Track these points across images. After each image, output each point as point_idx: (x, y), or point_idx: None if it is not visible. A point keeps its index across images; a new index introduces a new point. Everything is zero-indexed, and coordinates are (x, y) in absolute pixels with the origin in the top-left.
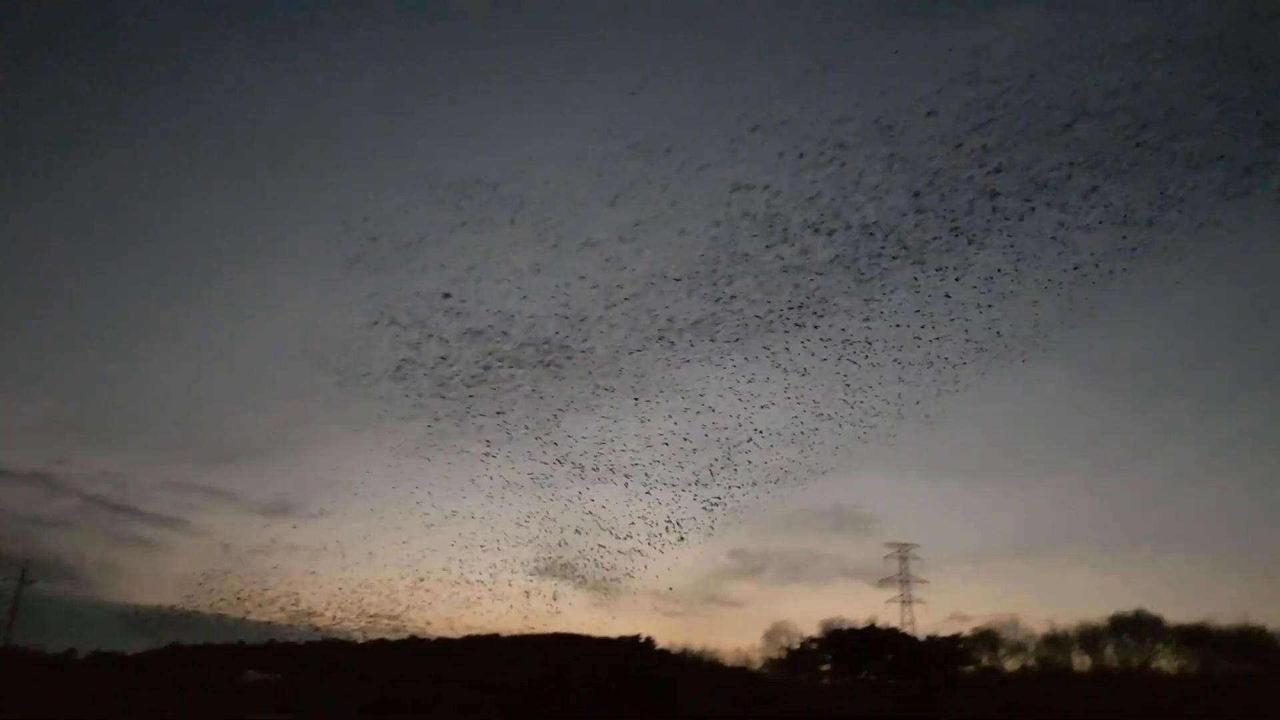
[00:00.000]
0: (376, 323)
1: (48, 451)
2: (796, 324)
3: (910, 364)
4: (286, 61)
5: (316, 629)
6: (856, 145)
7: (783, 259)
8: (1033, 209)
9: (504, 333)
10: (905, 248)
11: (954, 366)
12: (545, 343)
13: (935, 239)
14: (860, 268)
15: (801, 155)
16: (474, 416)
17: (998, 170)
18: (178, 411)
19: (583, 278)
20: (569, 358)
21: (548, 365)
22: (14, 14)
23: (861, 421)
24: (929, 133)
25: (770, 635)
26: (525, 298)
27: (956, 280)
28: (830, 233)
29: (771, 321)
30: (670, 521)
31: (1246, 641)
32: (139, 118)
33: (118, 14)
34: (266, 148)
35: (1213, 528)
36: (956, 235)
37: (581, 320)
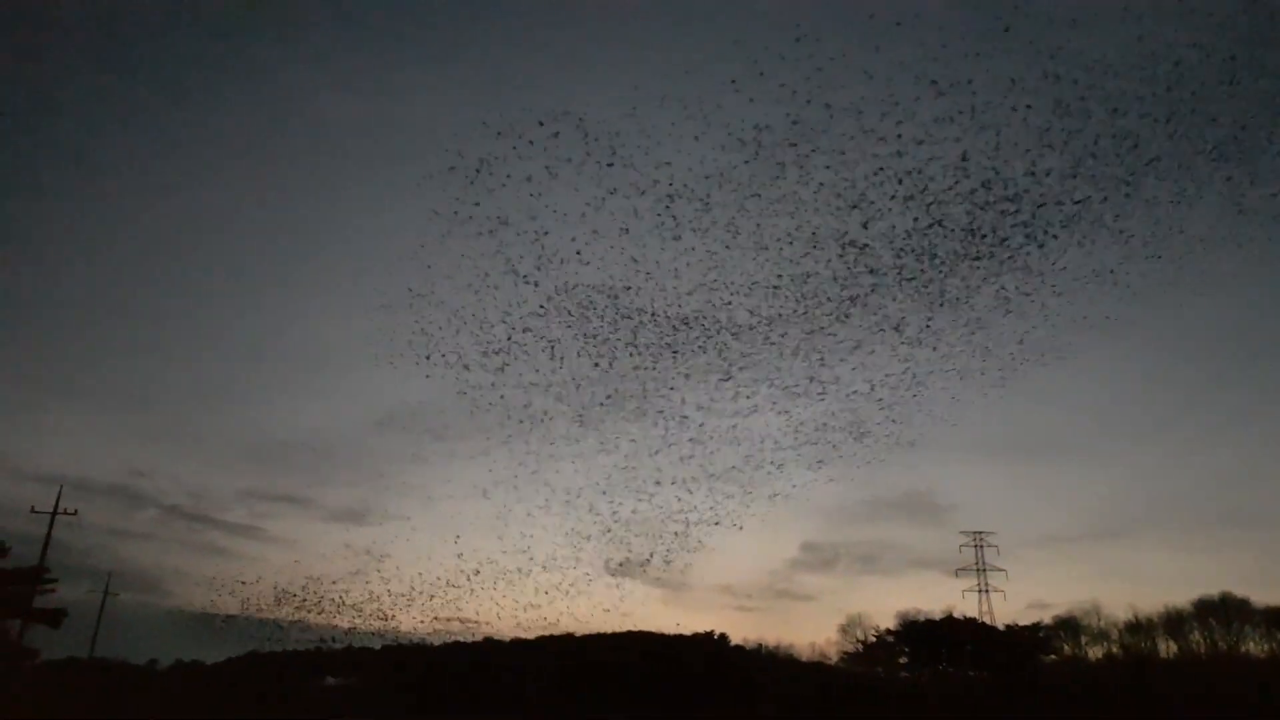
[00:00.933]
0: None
1: (127, 464)
2: (926, 298)
3: (986, 346)
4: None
5: (392, 633)
6: (1014, 112)
7: (916, 227)
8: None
9: (603, 306)
10: (1032, 224)
11: (1025, 348)
12: (661, 320)
13: (1062, 214)
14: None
15: (954, 118)
16: (553, 407)
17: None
18: (253, 420)
19: (692, 249)
20: (683, 338)
21: (662, 348)
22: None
23: (937, 406)
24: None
25: (845, 628)
26: (644, 272)
27: (1059, 266)
28: (982, 206)
29: (897, 298)
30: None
31: None
32: (202, 127)
33: (147, 21)
34: (344, 139)
35: None
36: (1107, 203)
37: (706, 294)
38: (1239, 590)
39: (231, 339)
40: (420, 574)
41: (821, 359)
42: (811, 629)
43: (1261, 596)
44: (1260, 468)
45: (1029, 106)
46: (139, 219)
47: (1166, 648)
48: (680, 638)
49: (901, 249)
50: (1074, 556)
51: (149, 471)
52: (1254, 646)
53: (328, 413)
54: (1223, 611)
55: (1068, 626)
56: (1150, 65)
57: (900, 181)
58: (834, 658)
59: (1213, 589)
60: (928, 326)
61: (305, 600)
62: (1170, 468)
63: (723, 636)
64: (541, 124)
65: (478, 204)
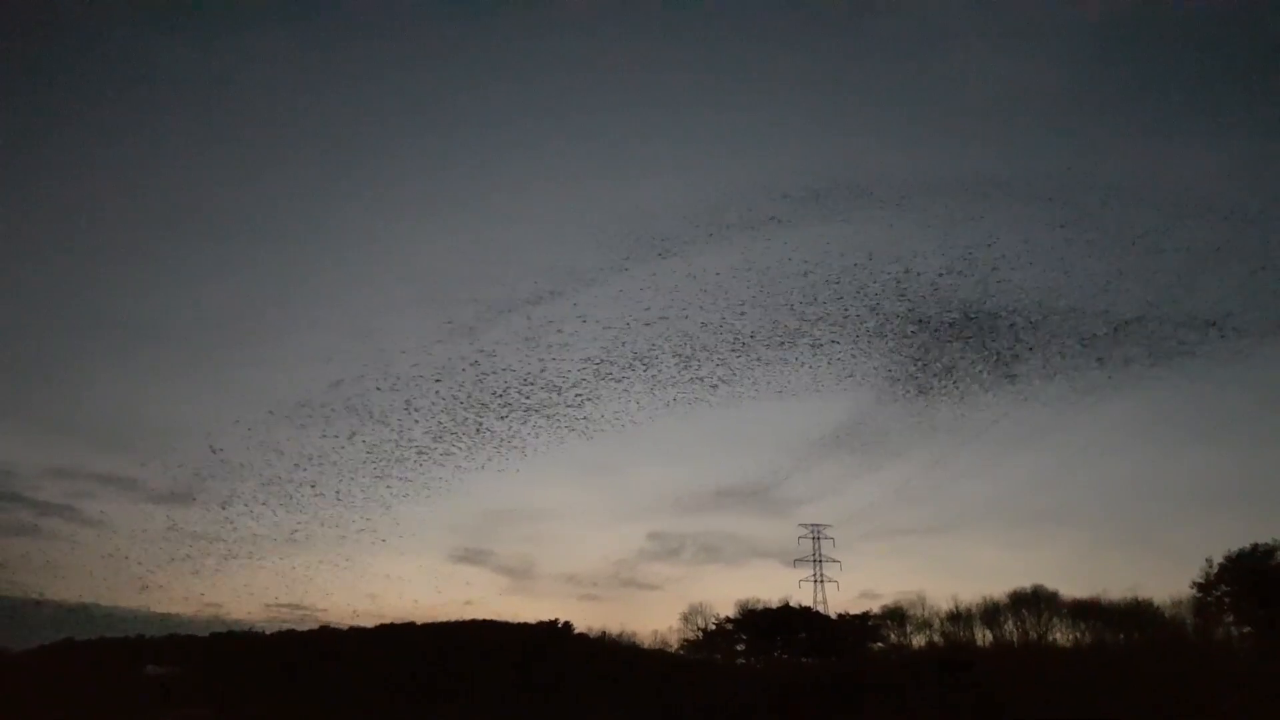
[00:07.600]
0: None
1: None
2: None
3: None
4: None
5: (221, 619)
6: None
7: None
8: None
9: None
10: None
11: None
12: None
13: None
14: None
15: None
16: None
17: None
18: (69, 394)
19: None
20: None
21: None
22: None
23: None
24: None
25: (688, 616)
26: None
27: None
28: None
29: None
30: None
31: (1135, 614)
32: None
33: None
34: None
35: (1106, 505)
36: None
37: None
38: (1050, 583)
39: (44, 312)
40: (251, 560)
41: None
42: (656, 617)
43: (1069, 589)
44: (1071, 470)
45: None
46: None
47: (983, 636)
48: (523, 626)
49: None
50: (904, 549)
51: None
52: (1061, 636)
53: (155, 388)
54: (1035, 603)
55: (895, 615)
56: None
57: None
58: (675, 645)
59: (1029, 581)
60: None
61: (123, 584)
62: (993, 467)
63: (566, 625)
64: None
65: None
